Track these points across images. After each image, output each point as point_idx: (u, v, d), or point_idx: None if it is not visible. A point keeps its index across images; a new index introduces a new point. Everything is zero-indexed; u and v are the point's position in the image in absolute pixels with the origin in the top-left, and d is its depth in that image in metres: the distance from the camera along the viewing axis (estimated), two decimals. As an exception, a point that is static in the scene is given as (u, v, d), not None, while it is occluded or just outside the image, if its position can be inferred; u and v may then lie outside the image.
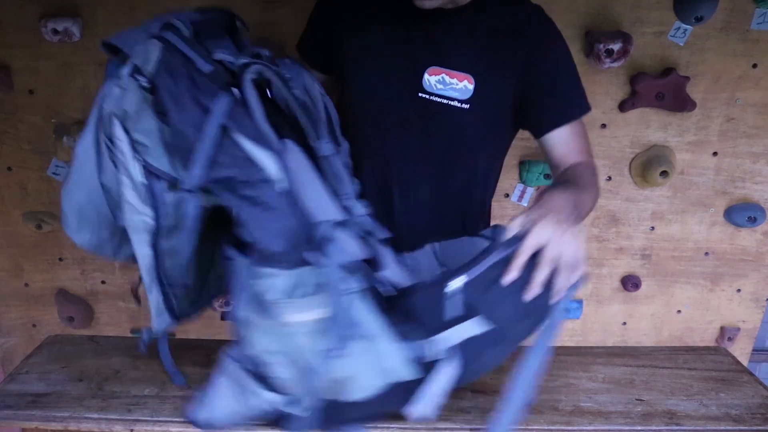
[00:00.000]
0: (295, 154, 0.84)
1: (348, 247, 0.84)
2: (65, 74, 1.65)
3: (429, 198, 1.20)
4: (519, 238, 0.80)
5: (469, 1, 1.08)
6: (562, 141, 1.11)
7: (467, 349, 0.84)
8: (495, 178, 1.29)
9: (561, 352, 1.17)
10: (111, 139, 0.86)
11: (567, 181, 1.00)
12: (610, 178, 1.76)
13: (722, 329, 1.93)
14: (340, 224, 0.85)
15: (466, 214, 1.27)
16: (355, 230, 0.89)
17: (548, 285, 0.80)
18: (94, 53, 1.62)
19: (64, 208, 0.94)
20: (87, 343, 1.23)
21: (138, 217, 0.86)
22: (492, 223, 1.29)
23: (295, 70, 0.91)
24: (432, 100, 1.10)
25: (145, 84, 0.82)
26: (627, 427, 0.96)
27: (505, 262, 0.80)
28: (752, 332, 1.95)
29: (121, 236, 0.95)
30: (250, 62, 0.84)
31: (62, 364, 1.07)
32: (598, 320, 1.95)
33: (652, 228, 1.81)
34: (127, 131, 0.84)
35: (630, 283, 1.85)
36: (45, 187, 1.79)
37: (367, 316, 0.84)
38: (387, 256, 0.96)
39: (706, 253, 1.84)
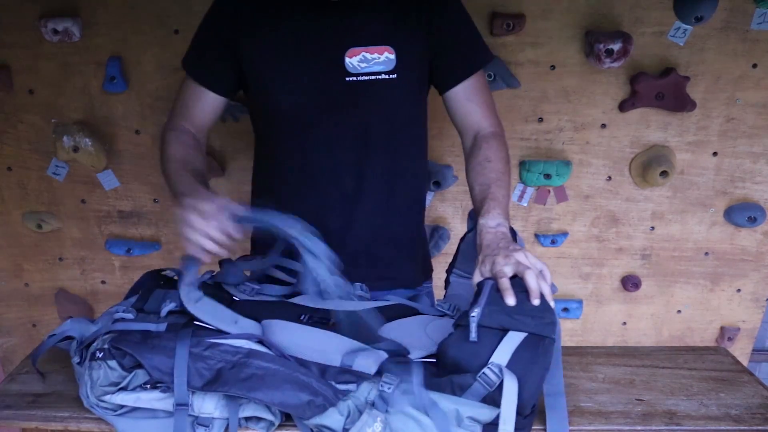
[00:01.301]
0: (272, 324, 0.96)
1: (367, 360, 0.90)
2: (65, 74, 1.65)
3: (380, 177, 1.22)
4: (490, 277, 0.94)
5: None
6: (464, 97, 1.19)
7: (517, 365, 0.85)
8: (426, 147, 1.33)
9: (561, 352, 1.16)
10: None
11: (486, 199, 1.07)
12: (610, 178, 1.76)
13: (722, 329, 1.94)
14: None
15: (413, 190, 1.29)
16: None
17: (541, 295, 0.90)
18: (94, 53, 1.63)
19: None
20: (87, 343, 1.22)
21: None
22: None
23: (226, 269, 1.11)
24: (360, 81, 1.13)
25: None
26: (627, 427, 0.96)
27: (497, 293, 0.90)
28: (752, 332, 1.95)
29: None
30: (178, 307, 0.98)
31: (62, 364, 1.07)
32: (598, 320, 1.95)
33: (652, 228, 1.81)
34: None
35: (630, 283, 1.85)
36: (45, 187, 1.79)
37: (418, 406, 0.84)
38: (408, 332, 1.01)
39: (706, 253, 1.84)
